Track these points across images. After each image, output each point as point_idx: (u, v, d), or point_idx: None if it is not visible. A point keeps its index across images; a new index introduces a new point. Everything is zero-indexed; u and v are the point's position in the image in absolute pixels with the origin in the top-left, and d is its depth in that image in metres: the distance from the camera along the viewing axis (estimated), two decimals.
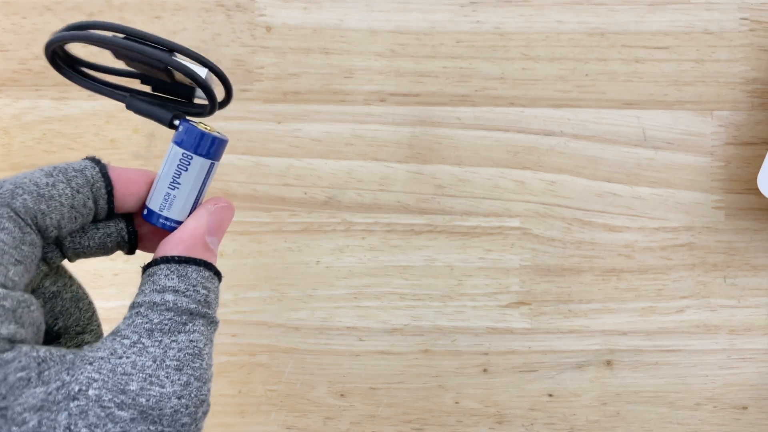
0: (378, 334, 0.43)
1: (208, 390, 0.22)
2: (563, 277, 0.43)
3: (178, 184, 0.25)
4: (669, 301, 0.43)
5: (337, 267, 0.43)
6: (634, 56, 0.43)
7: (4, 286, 0.20)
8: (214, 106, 0.26)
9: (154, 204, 0.25)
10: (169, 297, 0.22)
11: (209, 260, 0.24)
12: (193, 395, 0.21)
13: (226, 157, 0.43)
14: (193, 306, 0.23)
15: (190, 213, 0.25)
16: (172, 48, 0.24)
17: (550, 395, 0.43)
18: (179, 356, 0.21)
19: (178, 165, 0.25)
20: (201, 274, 0.23)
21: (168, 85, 0.26)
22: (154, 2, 0.44)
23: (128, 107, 0.26)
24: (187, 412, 0.21)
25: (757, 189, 0.41)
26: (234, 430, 0.43)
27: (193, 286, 0.23)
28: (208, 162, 0.25)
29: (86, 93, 0.44)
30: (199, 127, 0.25)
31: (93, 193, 0.24)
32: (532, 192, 0.43)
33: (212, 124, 0.27)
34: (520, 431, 0.43)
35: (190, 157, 0.25)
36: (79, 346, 0.24)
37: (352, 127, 0.43)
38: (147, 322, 0.22)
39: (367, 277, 0.43)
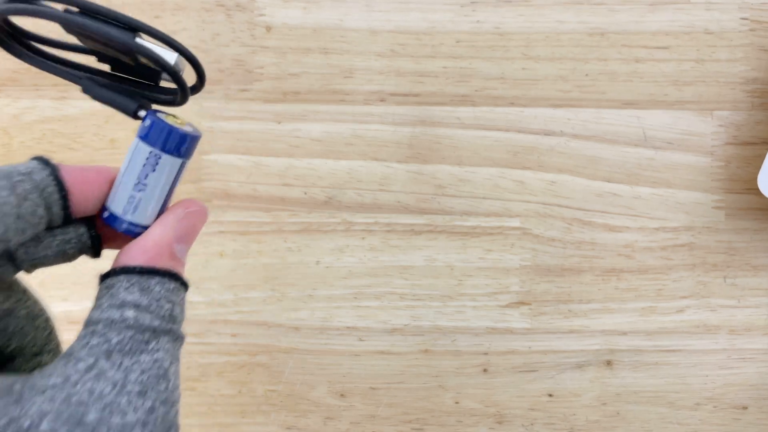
0: (378, 334, 0.43)
1: (177, 412, 0.20)
2: (563, 277, 0.43)
3: (144, 185, 0.22)
4: (669, 301, 0.43)
5: (337, 267, 0.43)
6: (634, 56, 0.43)
7: None
8: (185, 95, 0.23)
9: (116, 206, 0.22)
10: (130, 313, 0.20)
11: (175, 270, 0.22)
12: (159, 422, 0.19)
13: (226, 157, 0.43)
14: (156, 323, 0.20)
15: (159, 216, 0.23)
16: (135, 27, 0.21)
17: (550, 395, 0.43)
18: (142, 379, 0.19)
19: (145, 164, 0.22)
20: (165, 286, 0.21)
21: (130, 66, 0.23)
22: (153, 2, 0.43)
23: (85, 92, 0.23)
24: None
25: (758, 189, 0.41)
26: (234, 430, 0.43)
27: (157, 300, 0.21)
28: (179, 161, 0.22)
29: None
30: (168, 120, 0.22)
31: (44, 200, 0.21)
32: (532, 192, 0.43)
33: (191, 115, 0.26)
34: (520, 431, 0.43)
35: (158, 156, 0.22)
36: (35, 369, 0.22)
37: (352, 127, 0.43)
38: (105, 342, 0.19)
39: (367, 277, 0.43)
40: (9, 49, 0.23)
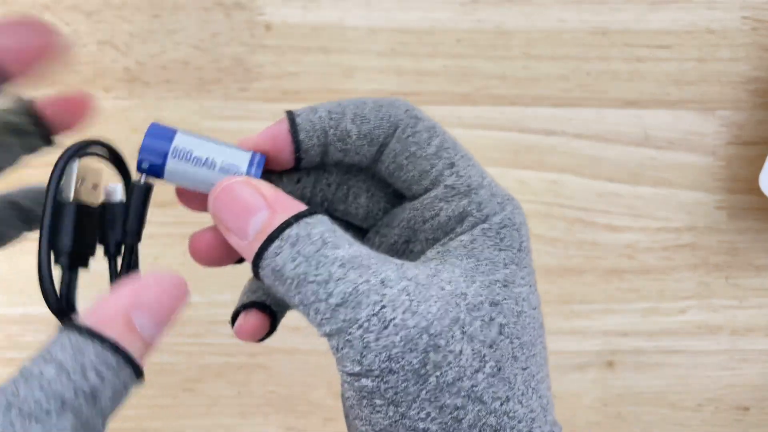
0: None
1: None
2: (565, 278, 0.43)
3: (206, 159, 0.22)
4: (671, 301, 0.43)
5: None
6: (636, 55, 0.43)
7: None
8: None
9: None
10: (50, 372, 0.17)
11: (125, 345, 0.18)
12: None
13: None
14: (69, 394, 0.17)
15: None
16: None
17: None
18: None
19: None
20: (103, 358, 0.18)
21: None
22: (153, 1, 0.43)
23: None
24: None
25: (759, 189, 0.41)
26: (233, 431, 0.43)
27: (83, 368, 0.17)
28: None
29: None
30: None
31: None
32: (533, 192, 0.43)
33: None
34: None
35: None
36: None
37: None
38: (12, 394, 0.17)
39: None
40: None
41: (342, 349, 0.19)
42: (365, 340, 0.18)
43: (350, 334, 0.18)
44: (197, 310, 0.43)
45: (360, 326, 0.18)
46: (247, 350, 0.43)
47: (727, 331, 0.43)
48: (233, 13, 0.43)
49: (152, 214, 0.24)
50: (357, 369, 0.18)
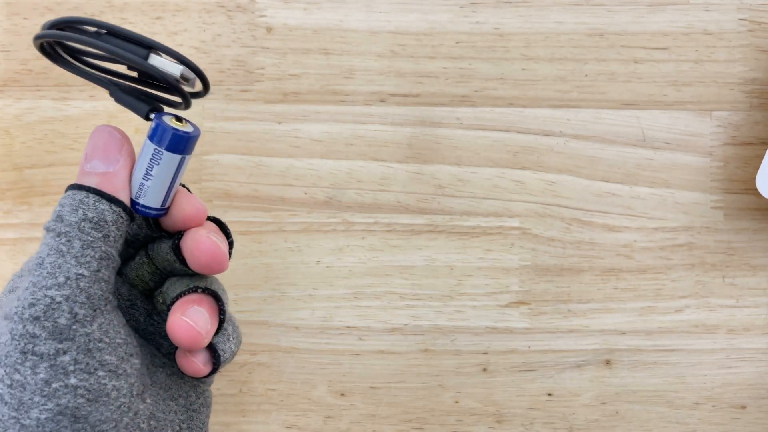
0: (378, 333, 0.43)
1: (46, 296, 0.24)
2: (562, 277, 0.43)
3: (151, 175, 0.27)
4: (668, 300, 0.43)
5: (337, 267, 0.44)
6: (633, 57, 0.43)
7: None
8: (188, 102, 0.28)
9: (132, 194, 0.28)
10: (56, 213, 0.26)
11: (84, 182, 0.26)
12: (27, 297, 0.25)
13: (226, 157, 0.44)
14: (47, 224, 0.26)
15: (165, 200, 0.28)
16: (150, 46, 0.26)
17: (550, 394, 0.43)
18: (28, 265, 0.27)
19: (151, 159, 0.27)
20: (65, 194, 0.26)
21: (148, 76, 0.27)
22: (155, 3, 0.44)
23: (111, 95, 0.28)
24: (17, 311, 0.24)
25: (756, 189, 0.41)
26: (234, 428, 0.43)
27: (71, 206, 0.26)
28: (177, 157, 0.27)
29: (87, 93, 0.44)
30: (171, 122, 0.27)
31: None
32: (531, 192, 0.43)
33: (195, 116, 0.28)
34: (519, 430, 0.43)
35: (161, 153, 0.27)
36: None
37: (352, 128, 0.44)
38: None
39: (367, 277, 0.44)
40: (55, 61, 0.28)
41: None
42: None
43: None
44: None
45: None
46: (248, 348, 0.43)
47: (724, 330, 0.43)
48: (235, 15, 0.44)
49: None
50: None
